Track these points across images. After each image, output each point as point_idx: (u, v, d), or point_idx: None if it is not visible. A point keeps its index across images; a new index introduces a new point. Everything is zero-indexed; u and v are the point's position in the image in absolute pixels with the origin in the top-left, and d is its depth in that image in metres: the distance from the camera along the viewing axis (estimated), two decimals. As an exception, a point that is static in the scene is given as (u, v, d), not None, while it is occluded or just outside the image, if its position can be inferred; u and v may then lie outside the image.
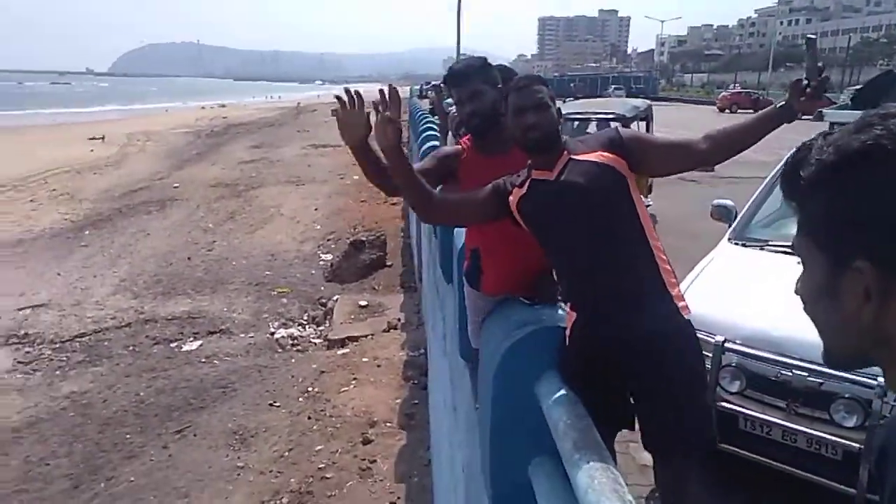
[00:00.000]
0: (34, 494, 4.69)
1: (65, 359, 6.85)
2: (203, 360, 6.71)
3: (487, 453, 1.75)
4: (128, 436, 5.32)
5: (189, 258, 9.72)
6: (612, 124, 7.94)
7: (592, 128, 7.97)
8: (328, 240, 10.42)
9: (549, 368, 1.67)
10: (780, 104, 1.81)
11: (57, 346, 7.16)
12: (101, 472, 4.90)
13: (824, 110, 4.77)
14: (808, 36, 1.89)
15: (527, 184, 1.95)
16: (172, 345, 7.11)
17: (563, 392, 1.54)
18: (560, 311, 1.93)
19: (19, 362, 6.83)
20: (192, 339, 7.24)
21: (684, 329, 1.89)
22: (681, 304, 1.89)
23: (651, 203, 5.56)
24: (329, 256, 9.61)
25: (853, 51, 61.89)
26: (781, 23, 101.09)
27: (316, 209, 12.25)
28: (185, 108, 51.76)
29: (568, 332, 1.84)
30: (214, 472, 4.78)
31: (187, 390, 6.01)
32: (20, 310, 8.04)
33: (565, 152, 1.94)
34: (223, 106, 54.28)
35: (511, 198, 1.95)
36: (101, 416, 5.65)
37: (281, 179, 14.99)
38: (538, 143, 1.94)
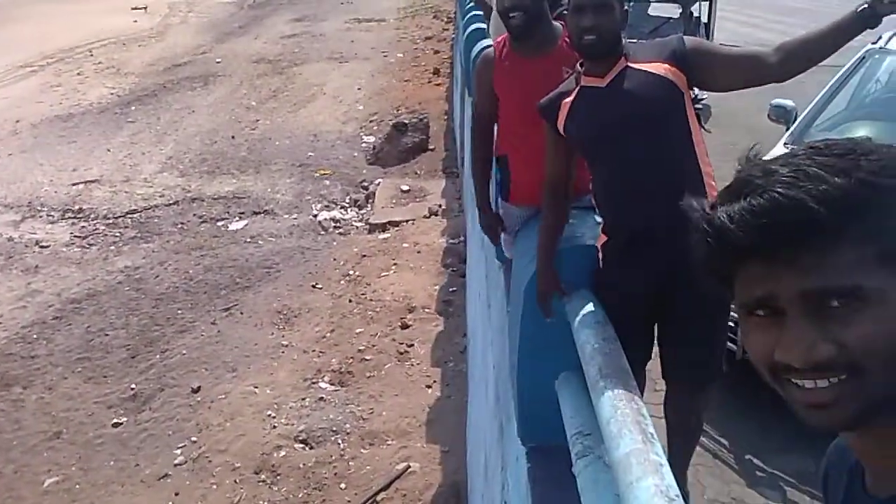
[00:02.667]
0: (96, 362, 5.04)
1: (118, 234, 7.12)
2: (248, 240, 6.89)
3: (515, 364, 1.79)
4: (179, 311, 5.60)
5: (233, 137, 9.77)
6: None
7: (650, 10, 7.49)
8: (371, 121, 10.29)
9: (582, 287, 1.66)
10: (862, 7, 1.59)
11: (110, 221, 7.42)
12: (157, 344, 5.20)
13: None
14: None
15: (575, 91, 1.84)
16: (219, 224, 7.30)
17: (592, 314, 1.54)
18: (596, 227, 1.89)
19: (76, 236, 7.12)
20: (237, 218, 7.41)
21: None
22: None
23: (706, 96, 5.29)
24: (371, 139, 9.53)
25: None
26: None
27: (359, 88, 12.02)
28: (227, -25, 50.18)
29: (601, 254, 1.80)
30: (260, 349, 5.04)
31: (234, 269, 6.22)
32: (74, 185, 8.29)
33: (622, 58, 1.80)
34: (265, -27, 52.39)
35: (560, 113, 1.85)
36: (154, 291, 5.93)
37: (324, 56, 14.63)
38: (593, 48, 1.80)
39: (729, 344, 3.00)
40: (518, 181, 2.21)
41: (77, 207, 7.72)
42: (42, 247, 6.89)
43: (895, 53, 3.97)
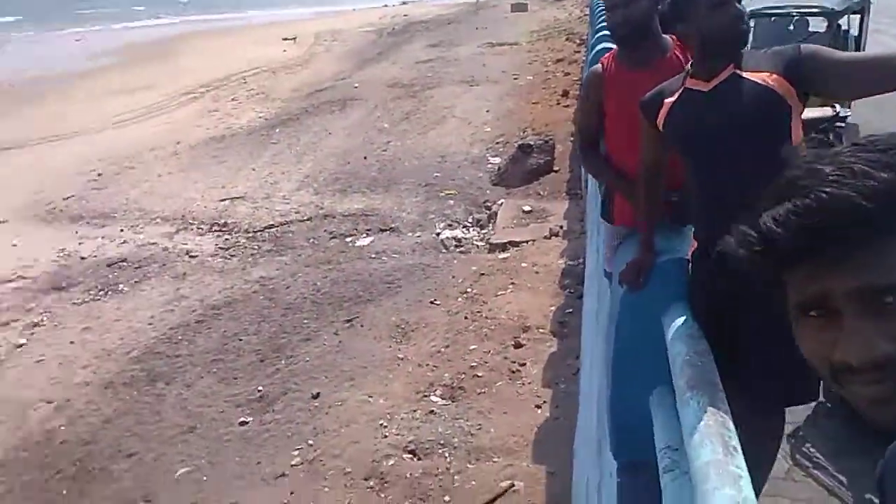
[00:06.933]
0: (229, 364, 5.40)
1: (256, 247, 7.61)
2: (373, 255, 7.14)
3: (609, 378, 1.74)
4: (305, 321, 5.89)
5: (365, 157, 10.20)
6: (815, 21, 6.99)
7: (792, 26, 7.06)
8: (497, 143, 10.40)
9: (679, 300, 1.60)
10: None
11: (250, 235, 7.96)
12: (283, 350, 5.50)
13: None
14: None
15: (678, 92, 1.79)
16: (347, 240, 7.62)
17: (685, 326, 1.47)
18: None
19: (220, 248, 7.70)
20: (364, 235, 7.70)
21: None
22: None
23: (850, 113, 4.91)
24: (497, 160, 9.62)
25: None
26: None
27: (487, 111, 12.20)
28: (370, 7, 52.81)
29: (690, 261, 1.72)
30: (377, 360, 5.19)
31: (357, 283, 6.47)
32: (221, 201, 8.98)
33: (731, 65, 1.73)
34: (405, 3, 54.59)
35: (661, 110, 1.81)
36: (284, 301, 6.28)
37: (455, 79, 15.01)
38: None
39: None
40: (622, 202, 2.16)
41: (223, 221, 8.35)
42: (191, 256, 7.50)
43: None
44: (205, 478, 4.25)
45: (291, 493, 4.03)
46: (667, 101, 1.77)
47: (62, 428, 4.87)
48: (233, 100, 15.11)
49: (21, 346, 6.04)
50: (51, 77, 18.82)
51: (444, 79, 15.23)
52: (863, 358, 0.62)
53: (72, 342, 5.96)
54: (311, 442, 4.42)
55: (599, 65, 2.24)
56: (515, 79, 14.65)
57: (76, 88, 17.29)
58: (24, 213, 9.19)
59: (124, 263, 7.39)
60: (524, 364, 4.83)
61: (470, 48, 18.72)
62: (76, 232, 8.37)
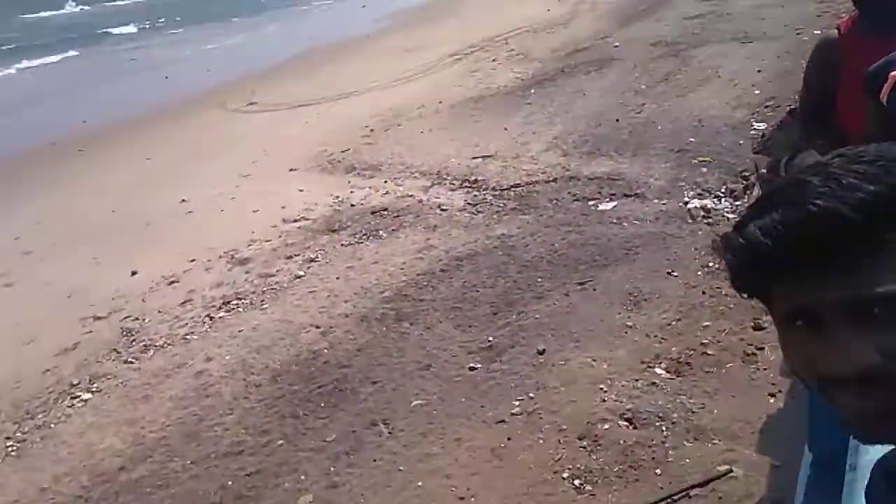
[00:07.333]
0: (465, 312, 5.80)
1: (501, 205, 7.95)
2: (614, 220, 7.06)
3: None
4: (539, 279, 6.08)
5: (617, 120, 9.99)
6: None
7: None
8: (765, 107, 9.50)
9: None
10: None
11: (497, 193, 8.31)
12: (515, 306, 5.75)
13: None
14: None
15: None
16: (590, 203, 7.61)
17: None
18: None
19: (468, 203, 8.17)
20: (607, 199, 7.63)
21: None
22: None
23: None
24: (762, 125, 8.80)
25: None
26: None
27: (759, 71, 11.14)
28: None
29: None
30: (605, 326, 5.21)
31: (594, 247, 6.48)
32: (473, 158, 9.46)
33: None
34: (682, -46, 51.12)
35: (885, 84, 1.60)
36: (521, 259, 6.52)
37: (726, 37, 13.85)
38: None
39: None
40: None
41: (473, 178, 8.82)
42: (442, 210, 8.08)
43: None
44: (434, 412, 4.69)
45: (508, 438, 4.29)
46: (893, 73, 1.56)
47: (325, 351, 5.67)
48: (493, 60, 15.61)
49: (300, 277, 7.07)
50: (340, 41, 21.05)
51: (712, 36, 14.16)
52: (850, 370, 0.62)
53: (337, 278, 6.84)
54: (531, 395, 4.64)
55: (835, 30, 2.01)
56: (798, 34, 13.10)
57: (360, 51, 19.15)
58: (311, 163, 10.57)
59: (385, 212, 8.20)
60: (762, 348, 4.52)
61: (747, 0, 17.08)
62: (348, 182, 9.45)
